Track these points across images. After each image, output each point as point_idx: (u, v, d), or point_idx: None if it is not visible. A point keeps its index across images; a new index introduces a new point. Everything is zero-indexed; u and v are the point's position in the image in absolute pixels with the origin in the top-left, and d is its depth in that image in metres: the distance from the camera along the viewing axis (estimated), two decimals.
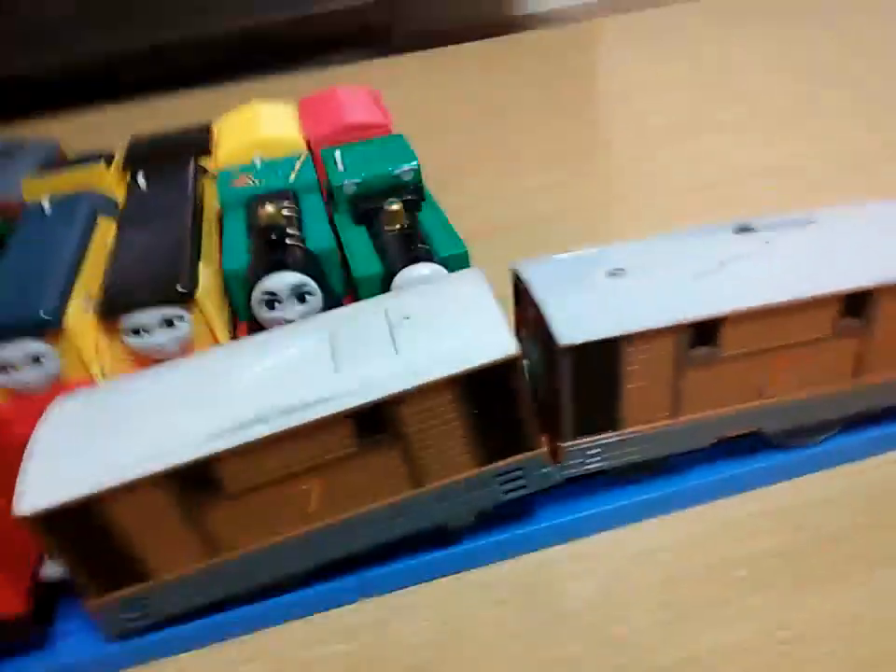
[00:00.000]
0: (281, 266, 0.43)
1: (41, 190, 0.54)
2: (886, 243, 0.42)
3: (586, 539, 0.43)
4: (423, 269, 0.43)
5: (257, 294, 0.43)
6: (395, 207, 0.46)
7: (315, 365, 0.38)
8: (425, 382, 0.36)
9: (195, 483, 0.36)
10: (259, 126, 0.62)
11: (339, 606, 0.42)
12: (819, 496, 0.44)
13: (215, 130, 0.65)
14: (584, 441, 0.41)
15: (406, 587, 0.42)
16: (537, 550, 0.43)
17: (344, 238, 0.48)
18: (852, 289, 0.40)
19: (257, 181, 0.52)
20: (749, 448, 0.45)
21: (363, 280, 0.44)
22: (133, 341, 0.43)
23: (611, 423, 0.41)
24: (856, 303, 0.40)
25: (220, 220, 0.52)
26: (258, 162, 0.55)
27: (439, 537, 0.42)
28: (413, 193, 0.50)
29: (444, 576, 0.42)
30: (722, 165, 0.80)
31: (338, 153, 0.53)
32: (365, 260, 0.45)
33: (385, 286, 0.44)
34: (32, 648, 0.40)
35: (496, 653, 0.38)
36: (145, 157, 0.60)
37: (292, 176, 0.52)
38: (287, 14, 1.25)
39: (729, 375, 0.41)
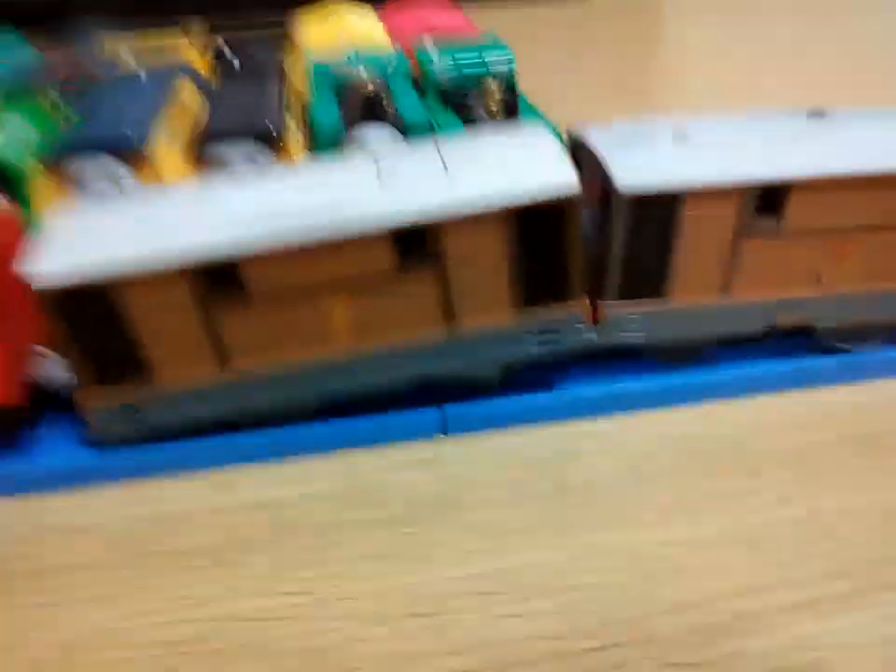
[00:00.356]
0: (378, 118, 0.44)
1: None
2: None
3: (611, 417, 0.41)
4: None
5: (348, 143, 0.43)
6: (493, 86, 0.46)
7: (361, 181, 0.35)
8: (477, 208, 0.34)
9: (219, 275, 0.34)
10: (346, 23, 0.64)
11: (337, 448, 0.39)
12: (871, 399, 0.41)
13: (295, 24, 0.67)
14: (627, 305, 0.39)
15: (411, 440, 0.40)
16: (558, 421, 0.41)
17: (437, 120, 0.48)
18: None
19: (357, 69, 0.53)
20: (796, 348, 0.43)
21: None
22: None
23: (658, 290, 0.39)
24: None
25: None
26: (352, 54, 0.55)
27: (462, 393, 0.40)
28: (507, 87, 0.49)
29: (461, 433, 0.40)
30: None
31: (432, 46, 0.53)
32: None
33: None
34: (13, 446, 0.38)
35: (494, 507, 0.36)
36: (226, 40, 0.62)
37: (389, 68, 0.52)
38: None
39: (788, 254, 0.39)
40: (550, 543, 0.34)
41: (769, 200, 0.38)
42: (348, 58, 0.54)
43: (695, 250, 0.38)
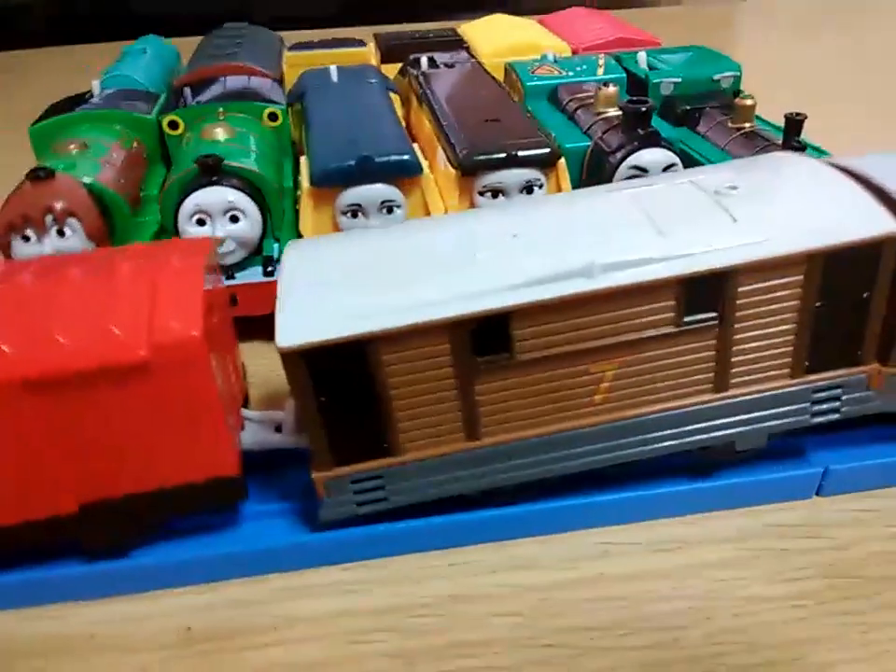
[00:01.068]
0: (657, 142, 0.46)
1: (303, 64, 0.63)
2: None
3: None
4: None
5: (627, 164, 0.46)
6: (749, 102, 0.49)
7: (631, 225, 0.32)
8: (780, 252, 0.30)
9: (486, 335, 0.30)
10: (520, 31, 0.71)
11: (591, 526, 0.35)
12: None
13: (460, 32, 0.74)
14: None
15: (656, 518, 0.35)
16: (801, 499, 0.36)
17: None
18: None
19: (562, 71, 0.58)
20: None
21: None
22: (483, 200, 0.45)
23: None
24: None
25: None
26: (550, 57, 0.60)
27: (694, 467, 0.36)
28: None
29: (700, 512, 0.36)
30: None
31: (642, 55, 0.56)
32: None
33: None
34: (219, 526, 0.35)
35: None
36: (398, 48, 0.69)
37: (600, 71, 0.57)
38: None
39: None
40: None
41: None
42: (551, 63, 0.56)
43: None
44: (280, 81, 0.63)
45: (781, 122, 0.47)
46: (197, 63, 0.65)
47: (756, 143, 0.48)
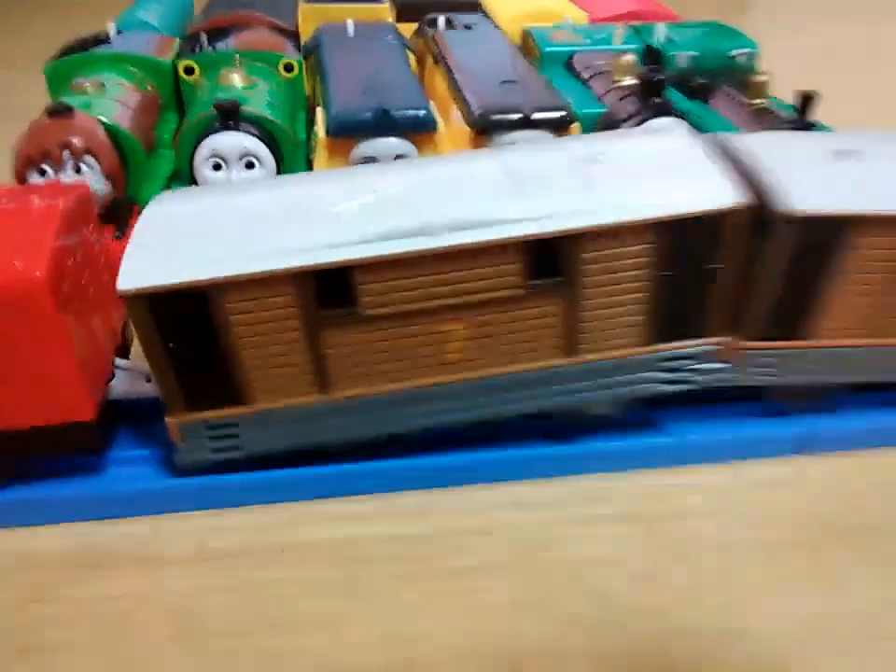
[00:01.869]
0: (669, 111, 0.47)
1: (318, 17, 0.63)
2: None
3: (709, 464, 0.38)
4: None
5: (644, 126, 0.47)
6: (763, 78, 0.50)
7: (488, 188, 0.32)
8: (623, 220, 0.31)
9: (330, 289, 0.31)
10: None
11: (425, 487, 0.37)
12: None
13: None
14: (768, 343, 0.36)
15: (503, 481, 0.37)
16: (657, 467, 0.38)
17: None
18: None
19: (581, 38, 0.59)
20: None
21: None
22: None
23: (806, 329, 0.35)
24: None
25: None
26: (569, 24, 0.61)
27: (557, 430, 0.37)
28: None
29: (551, 477, 0.37)
30: None
31: (661, 27, 0.57)
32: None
33: None
34: (86, 469, 0.36)
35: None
36: (415, 8, 0.68)
37: (617, 40, 0.58)
38: None
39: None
40: None
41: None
42: (569, 30, 0.57)
43: (853, 285, 0.35)
44: (295, 33, 0.63)
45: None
46: (213, 11, 0.65)
47: (767, 119, 0.49)
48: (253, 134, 0.44)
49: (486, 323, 0.32)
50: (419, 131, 0.45)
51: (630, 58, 0.51)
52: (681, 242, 0.31)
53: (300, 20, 0.66)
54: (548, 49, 0.58)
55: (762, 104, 0.50)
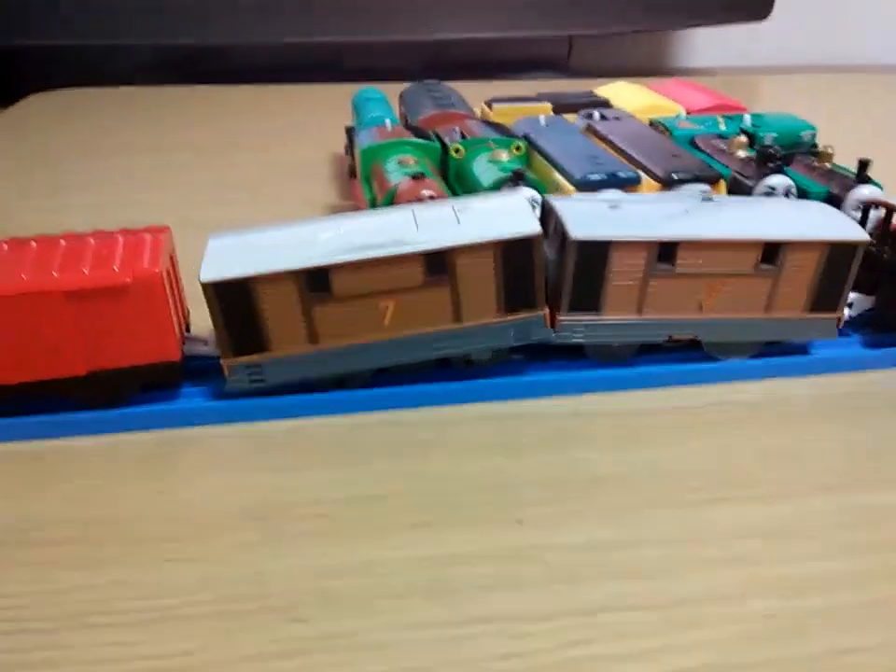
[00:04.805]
0: (781, 171, 0.68)
1: (505, 114, 0.90)
2: (797, 215, 0.58)
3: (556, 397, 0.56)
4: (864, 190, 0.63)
5: (760, 187, 0.67)
6: (830, 151, 0.71)
7: (405, 225, 0.51)
8: (476, 241, 0.50)
9: (316, 282, 0.49)
10: (644, 94, 0.97)
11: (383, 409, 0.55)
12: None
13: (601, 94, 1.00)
14: (574, 316, 0.55)
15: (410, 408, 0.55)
16: (520, 399, 0.56)
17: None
18: (769, 239, 0.53)
19: (696, 125, 0.83)
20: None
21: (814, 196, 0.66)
22: None
23: (595, 307, 0.55)
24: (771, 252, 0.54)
25: None
26: (683, 115, 0.87)
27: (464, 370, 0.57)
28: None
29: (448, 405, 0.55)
30: None
31: (747, 117, 0.84)
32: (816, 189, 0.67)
33: (833, 204, 0.61)
34: (172, 393, 0.54)
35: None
36: (563, 107, 0.94)
37: (721, 126, 0.82)
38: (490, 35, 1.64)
39: (679, 289, 0.55)
40: None
41: (665, 252, 0.53)
42: (684, 120, 0.81)
43: (619, 282, 0.54)
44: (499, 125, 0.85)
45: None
46: (426, 110, 0.89)
47: (834, 178, 0.67)
48: (533, 188, 0.65)
49: (406, 301, 0.51)
50: (633, 184, 0.66)
51: (742, 138, 0.76)
52: (513, 253, 0.50)
53: (491, 116, 0.91)
54: (677, 132, 0.80)
55: (827, 167, 0.69)
